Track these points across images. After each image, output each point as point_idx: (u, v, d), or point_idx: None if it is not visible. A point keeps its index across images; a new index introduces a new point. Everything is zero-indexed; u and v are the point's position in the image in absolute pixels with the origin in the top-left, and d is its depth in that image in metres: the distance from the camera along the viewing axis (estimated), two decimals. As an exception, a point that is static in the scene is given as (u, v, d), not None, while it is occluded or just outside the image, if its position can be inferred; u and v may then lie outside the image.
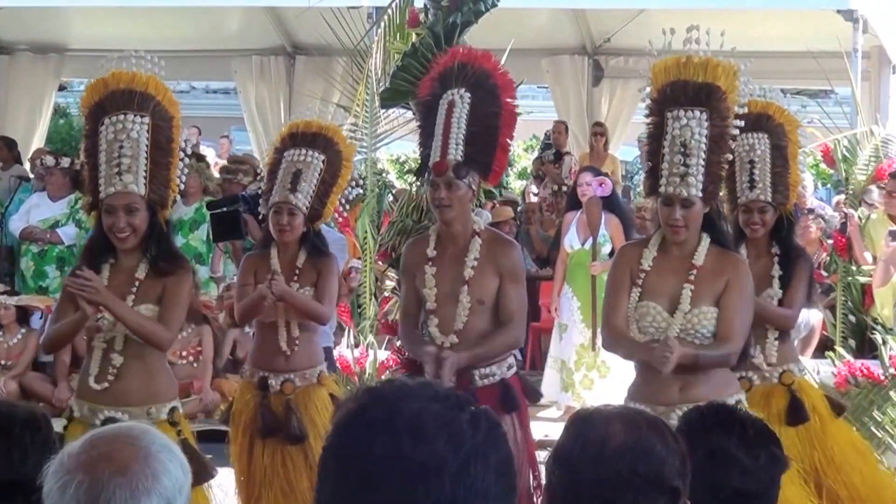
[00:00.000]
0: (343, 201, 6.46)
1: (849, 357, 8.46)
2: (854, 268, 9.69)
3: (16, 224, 11.25)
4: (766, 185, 5.93)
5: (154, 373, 5.31)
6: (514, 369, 5.71)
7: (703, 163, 4.90)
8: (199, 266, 11.05)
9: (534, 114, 16.11)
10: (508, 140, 5.81)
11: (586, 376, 9.55)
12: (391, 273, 8.24)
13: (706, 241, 5.00)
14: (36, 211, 11.18)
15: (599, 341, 9.43)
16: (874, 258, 9.68)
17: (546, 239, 12.12)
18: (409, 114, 8.23)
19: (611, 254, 9.87)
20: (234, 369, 9.58)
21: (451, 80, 5.67)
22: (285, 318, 6.20)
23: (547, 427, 8.03)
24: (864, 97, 11.68)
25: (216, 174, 12.45)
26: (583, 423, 2.52)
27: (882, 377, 8.07)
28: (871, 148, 9.66)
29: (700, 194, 4.90)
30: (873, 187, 9.76)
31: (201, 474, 5.03)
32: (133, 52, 5.38)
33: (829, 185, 19.15)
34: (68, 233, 11.00)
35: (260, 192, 6.45)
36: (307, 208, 6.17)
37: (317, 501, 1.83)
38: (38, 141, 13.84)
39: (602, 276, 9.58)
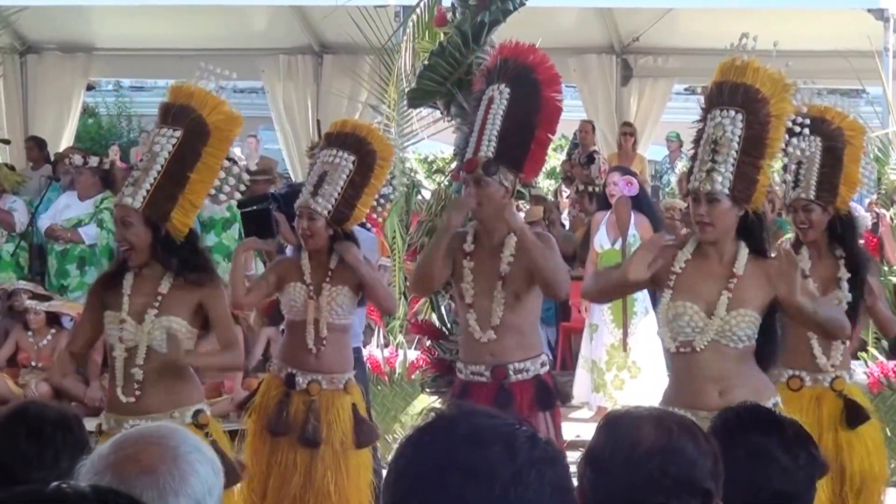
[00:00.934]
0: (382, 201, 6.42)
1: (882, 358, 8.41)
2: (886, 268, 9.63)
3: (44, 223, 11.30)
4: (811, 184, 5.87)
5: (177, 380, 5.29)
6: (547, 367, 5.74)
7: (732, 161, 4.85)
8: (230, 264, 11.09)
9: (564, 113, 16.08)
10: (549, 135, 5.79)
11: (617, 376, 9.53)
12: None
13: (745, 249, 4.94)
14: (66, 210, 11.23)
15: (631, 341, 9.42)
16: (906, 258, 9.63)
17: (570, 238, 12.09)
18: (438, 113, 8.20)
19: (641, 254, 9.85)
20: (266, 369, 9.59)
21: (494, 76, 5.68)
22: (314, 317, 6.19)
23: (578, 427, 8.00)
24: (895, 96, 11.61)
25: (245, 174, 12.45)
26: (614, 425, 2.51)
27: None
28: (902, 147, 9.62)
29: (726, 191, 4.84)
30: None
31: (230, 476, 5.02)
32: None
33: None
34: (89, 233, 11.03)
35: (290, 188, 6.44)
36: (329, 212, 6.15)
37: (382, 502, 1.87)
38: (66, 140, 13.88)
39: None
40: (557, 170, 17.69)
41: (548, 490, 1.81)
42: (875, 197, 10.30)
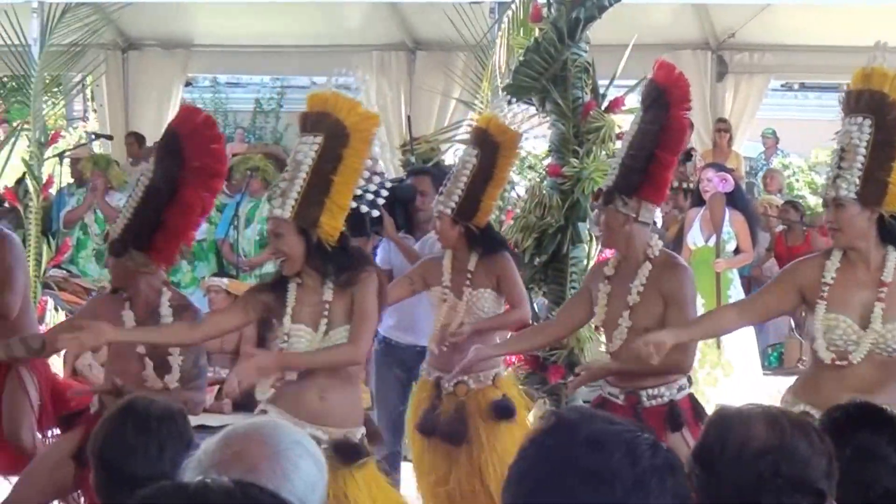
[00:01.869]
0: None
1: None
2: None
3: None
4: None
5: (351, 390, 5.26)
6: (685, 391, 5.61)
7: (859, 166, 4.87)
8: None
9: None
10: (672, 157, 5.77)
11: (710, 374, 9.48)
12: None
13: (894, 255, 4.93)
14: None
15: (724, 339, 9.37)
16: None
17: (661, 235, 12.05)
18: (532, 109, 8.22)
19: (735, 251, 9.78)
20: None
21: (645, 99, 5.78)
22: (447, 320, 6.21)
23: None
24: None
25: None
26: (724, 423, 2.51)
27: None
28: None
29: (853, 196, 4.86)
30: None
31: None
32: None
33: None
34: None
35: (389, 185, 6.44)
36: (452, 209, 6.15)
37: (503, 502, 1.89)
38: (165, 136, 14.04)
39: (726, 273, 9.51)
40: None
41: (669, 498, 1.82)
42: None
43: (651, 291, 5.51)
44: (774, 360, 11.31)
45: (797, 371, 8.68)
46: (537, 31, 7.83)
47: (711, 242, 9.69)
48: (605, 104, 7.50)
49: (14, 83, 12.91)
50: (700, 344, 9.55)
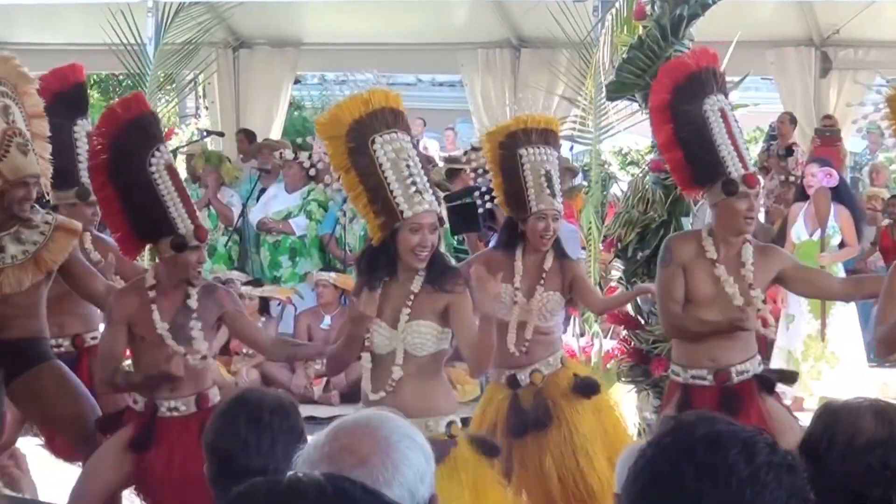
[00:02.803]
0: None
1: None
2: None
3: (255, 215, 11.69)
4: None
5: (432, 386, 5.27)
6: (762, 366, 5.93)
7: None
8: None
9: (760, 105, 15.97)
10: None
11: (814, 367, 9.49)
12: (616, 263, 8.35)
13: None
14: (273, 202, 11.60)
15: (829, 331, 9.39)
16: None
17: (767, 230, 12.04)
18: (634, 105, 8.31)
19: (840, 245, 9.79)
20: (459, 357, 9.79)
21: (711, 86, 5.78)
22: (519, 321, 6.20)
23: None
24: None
25: (440, 164, 12.74)
26: (832, 416, 2.54)
27: None
28: None
29: None
30: None
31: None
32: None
33: None
34: (300, 223, 11.38)
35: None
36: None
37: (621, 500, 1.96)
38: (275, 133, 14.23)
39: (831, 267, 9.51)
40: (753, 161, 17.57)
41: (784, 494, 1.86)
42: None
43: (760, 270, 5.76)
44: (881, 353, 11.26)
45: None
46: (641, 28, 7.91)
47: (816, 236, 9.69)
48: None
49: (129, 81, 13.27)
50: (804, 336, 9.60)
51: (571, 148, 14.50)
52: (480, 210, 6.95)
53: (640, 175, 8.32)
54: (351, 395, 9.29)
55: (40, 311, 6.16)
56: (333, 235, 11.36)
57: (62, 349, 6.51)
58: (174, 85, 13.13)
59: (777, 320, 10.22)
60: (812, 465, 2.43)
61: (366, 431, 2.22)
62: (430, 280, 5.18)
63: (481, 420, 6.25)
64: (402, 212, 5.12)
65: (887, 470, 2.42)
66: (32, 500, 2.87)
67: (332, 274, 10.56)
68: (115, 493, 5.79)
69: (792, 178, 12.75)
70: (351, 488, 1.56)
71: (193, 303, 5.66)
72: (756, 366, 5.82)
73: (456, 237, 10.77)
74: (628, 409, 7.73)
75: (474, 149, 9.43)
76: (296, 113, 19.81)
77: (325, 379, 10.05)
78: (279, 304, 10.79)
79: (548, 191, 6.12)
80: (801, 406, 9.11)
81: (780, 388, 9.59)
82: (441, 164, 13.31)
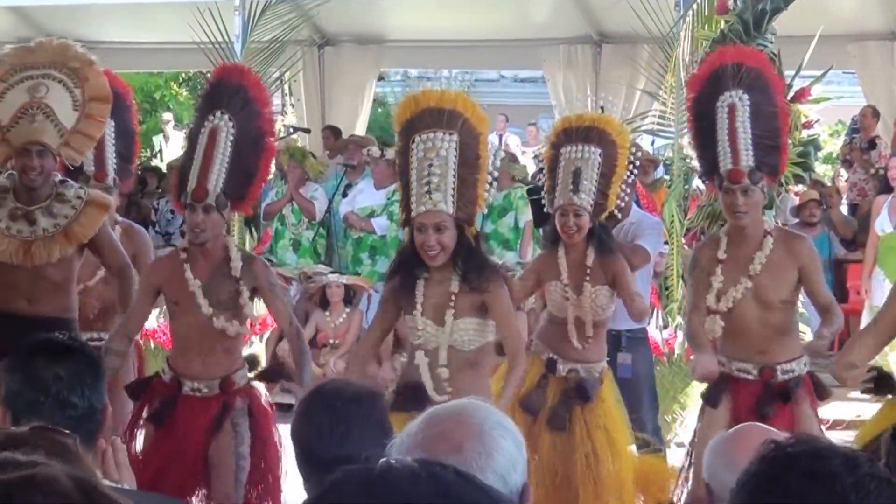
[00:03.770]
0: (625, 188, 6.51)
1: None
2: None
3: (343, 209, 11.85)
4: None
5: (481, 374, 5.44)
6: (807, 367, 5.94)
7: None
8: (506, 252, 11.44)
9: (843, 99, 15.92)
10: (788, 140, 5.98)
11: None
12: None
13: None
14: (360, 197, 11.75)
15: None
16: None
17: (850, 222, 12.03)
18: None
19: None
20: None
21: (727, 81, 5.83)
22: (576, 314, 6.28)
23: (859, 407, 8.06)
24: None
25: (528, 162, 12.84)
26: None
27: None
28: None
29: None
30: None
31: None
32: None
33: None
34: (381, 223, 11.50)
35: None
36: (591, 205, 6.23)
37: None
38: (360, 130, 14.30)
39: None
40: (835, 154, 17.48)
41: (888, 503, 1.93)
42: None
43: (782, 261, 5.79)
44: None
45: None
46: (723, 23, 7.98)
47: (900, 229, 9.71)
48: (791, 94, 7.61)
49: (216, 79, 13.49)
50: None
51: (653, 142, 14.55)
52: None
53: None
54: (414, 398, 9.37)
55: (71, 287, 6.37)
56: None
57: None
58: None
59: (860, 312, 10.25)
60: None
61: (459, 419, 2.24)
62: (465, 279, 5.32)
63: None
64: (412, 210, 5.28)
65: None
66: (132, 491, 2.93)
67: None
68: None
69: (874, 171, 12.72)
70: (444, 473, 1.54)
71: (237, 270, 5.80)
72: (802, 367, 5.87)
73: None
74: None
75: None
76: (379, 109, 19.91)
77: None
78: (365, 296, 10.93)
79: (571, 186, 6.19)
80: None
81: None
82: (527, 159, 13.39)
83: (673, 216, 9.76)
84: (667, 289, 9.69)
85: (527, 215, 11.07)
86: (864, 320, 9.86)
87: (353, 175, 12.26)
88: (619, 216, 6.91)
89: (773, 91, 5.93)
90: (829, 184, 13.42)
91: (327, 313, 10.51)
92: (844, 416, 7.63)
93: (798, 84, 7.80)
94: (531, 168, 12.32)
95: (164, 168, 15.41)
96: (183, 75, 20.57)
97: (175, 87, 20.69)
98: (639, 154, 6.64)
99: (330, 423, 3.25)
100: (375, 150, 11.75)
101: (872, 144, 13.18)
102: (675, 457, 7.51)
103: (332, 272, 10.88)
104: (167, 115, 18.53)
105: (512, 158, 12.61)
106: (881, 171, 11.96)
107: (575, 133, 6.28)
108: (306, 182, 12.10)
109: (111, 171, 7.12)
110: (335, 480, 1.56)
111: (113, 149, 7.14)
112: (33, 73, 6.19)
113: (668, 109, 10.66)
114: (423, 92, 5.39)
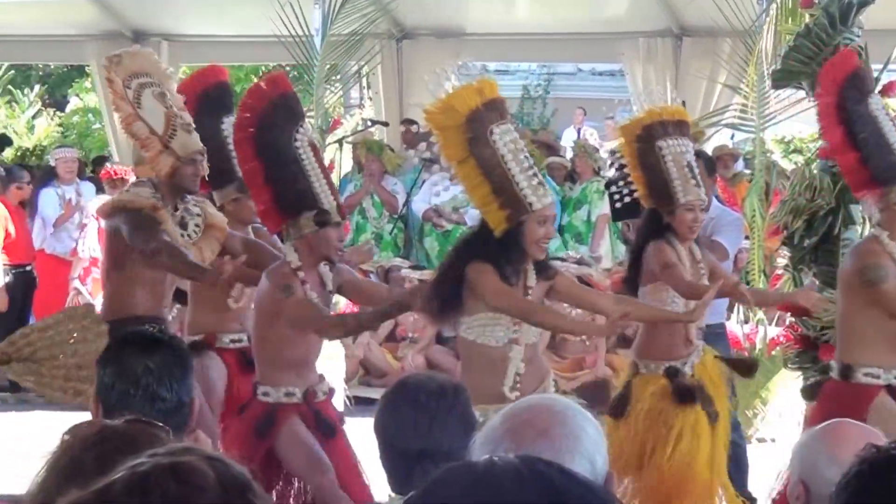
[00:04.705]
0: None
1: None
2: None
3: (418, 205, 11.85)
4: None
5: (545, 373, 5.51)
6: None
7: None
8: (579, 245, 11.42)
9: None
10: None
11: None
12: (783, 250, 8.34)
13: None
14: (440, 190, 11.77)
15: None
16: None
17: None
18: (800, 94, 8.27)
19: None
20: (626, 344, 9.87)
21: (871, 84, 5.92)
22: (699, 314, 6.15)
23: None
24: None
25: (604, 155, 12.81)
26: None
27: None
28: None
29: None
30: None
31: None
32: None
33: None
34: (474, 215, 11.50)
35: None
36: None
37: None
38: (438, 122, 14.40)
39: None
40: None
41: None
42: None
43: None
44: None
45: None
46: (807, 16, 7.88)
47: None
48: (879, 88, 7.51)
49: (295, 72, 13.57)
50: None
51: (732, 136, 14.43)
52: (618, 202, 6.94)
53: (805, 163, 8.29)
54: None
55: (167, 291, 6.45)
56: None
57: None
58: (339, 76, 13.36)
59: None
60: None
61: (542, 407, 2.28)
62: (538, 272, 5.33)
63: (633, 409, 6.17)
64: (530, 203, 5.18)
65: None
66: None
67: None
68: None
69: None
70: (547, 470, 1.52)
71: (330, 284, 5.80)
72: None
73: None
74: (794, 396, 7.74)
75: None
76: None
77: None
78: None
79: (693, 181, 6.07)
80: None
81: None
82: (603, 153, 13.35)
83: (754, 211, 9.69)
84: (748, 283, 9.61)
85: (601, 208, 11.04)
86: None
87: (431, 169, 12.28)
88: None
89: None
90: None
91: (406, 306, 10.53)
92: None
93: (886, 78, 7.67)
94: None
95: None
96: (263, 69, 20.68)
97: (255, 80, 20.81)
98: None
99: (414, 416, 3.26)
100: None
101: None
102: (757, 453, 7.48)
103: (409, 266, 10.90)
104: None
105: (594, 149, 12.59)
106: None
107: (671, 126, 6.15)
108: (385, 175, 12.13)
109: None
110: (437, 479, 1.54)
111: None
112: (144, 81, 6.29)
113: (750, 103, 10.57)
114: (481, 82, 5.34)
